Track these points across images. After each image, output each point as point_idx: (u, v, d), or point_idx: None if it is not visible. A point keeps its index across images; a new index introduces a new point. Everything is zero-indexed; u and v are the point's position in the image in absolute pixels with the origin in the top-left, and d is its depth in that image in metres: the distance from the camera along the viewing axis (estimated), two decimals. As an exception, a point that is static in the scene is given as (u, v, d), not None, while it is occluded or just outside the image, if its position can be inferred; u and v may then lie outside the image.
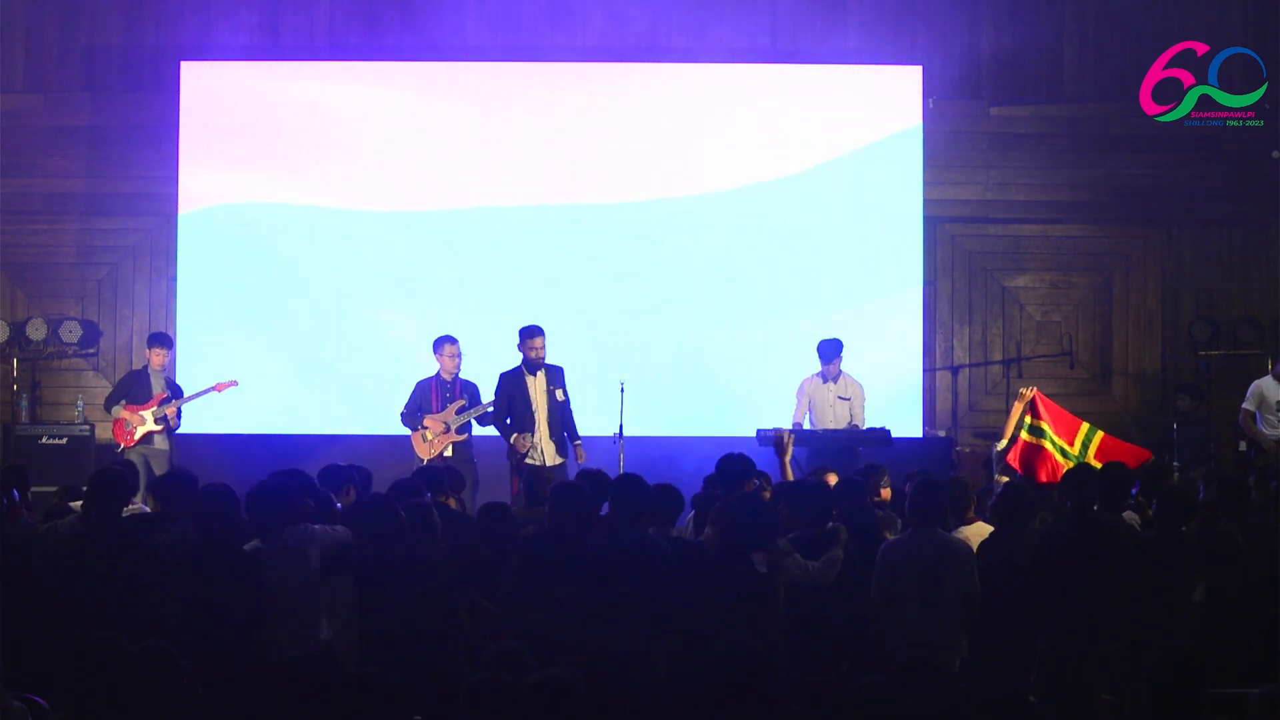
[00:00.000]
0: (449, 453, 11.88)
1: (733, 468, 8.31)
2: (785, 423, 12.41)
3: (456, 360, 12.11)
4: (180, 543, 7.43)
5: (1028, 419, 10.63)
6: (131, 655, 5.61)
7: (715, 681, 5.73)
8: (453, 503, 8.86)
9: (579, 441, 11.79)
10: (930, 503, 7.43)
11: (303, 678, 6.56)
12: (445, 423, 11.95)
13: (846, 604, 7.40)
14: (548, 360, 11.84)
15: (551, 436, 11.67)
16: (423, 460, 11.81)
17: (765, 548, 7.24)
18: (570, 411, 11.82)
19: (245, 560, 7.06)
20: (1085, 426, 10.63)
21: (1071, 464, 10.20)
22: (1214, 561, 7.79)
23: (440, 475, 9.07)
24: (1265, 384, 12.30)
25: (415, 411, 12.06)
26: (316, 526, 7.27)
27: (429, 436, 11.96)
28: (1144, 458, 10.42)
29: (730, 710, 5.57)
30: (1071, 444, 10.48)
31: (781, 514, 7.78)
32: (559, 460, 11.65)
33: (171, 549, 7.42)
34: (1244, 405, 12.34)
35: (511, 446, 11.63)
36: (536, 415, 11.66)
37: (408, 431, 12.14)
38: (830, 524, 7.68)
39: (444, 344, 12.15)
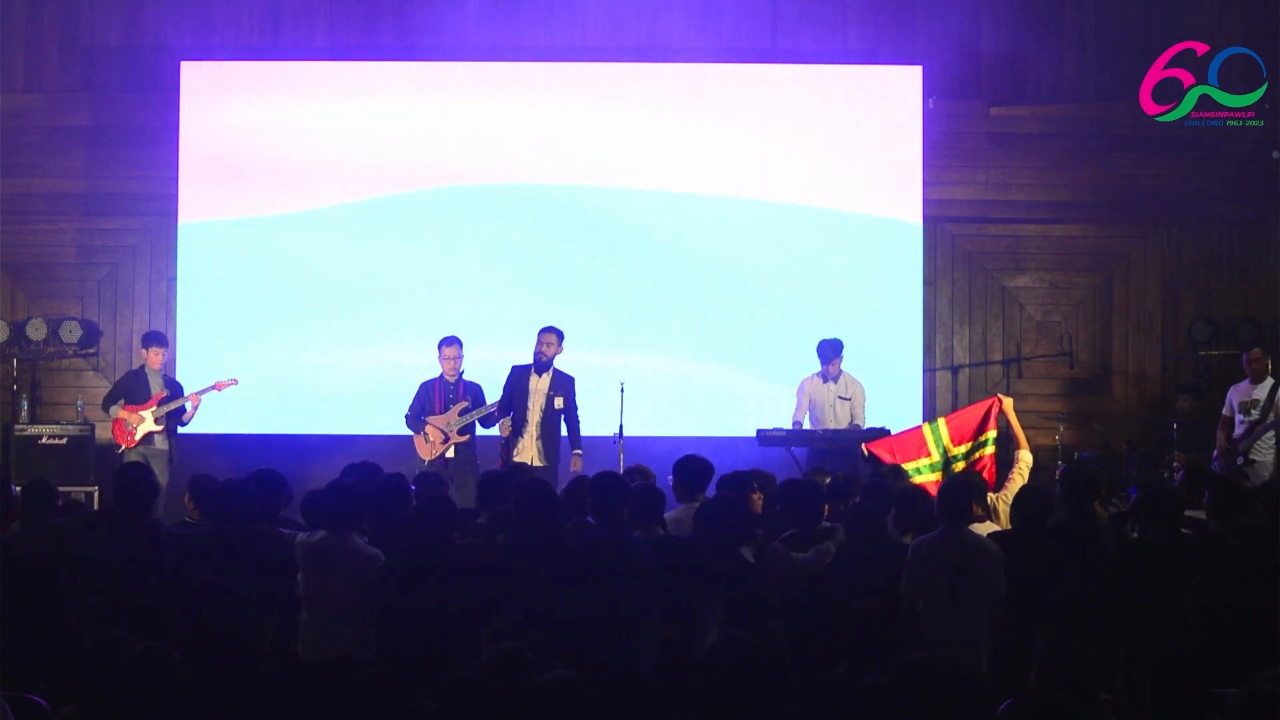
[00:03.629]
0: (450, 454, 11.90)
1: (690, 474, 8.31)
2: (785, 423, 12.43)
3: (456, 362, 12.12)
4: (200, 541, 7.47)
5: (890, 471, 10.40)
6: (132, 655, 5.61)
7: (708, 679, 5.73)
8: None
9: (579, 452, 11.82)
10: (960, 502, 7.42)
11: (341, 680, 6.55)
12: (447, 424, 11.96)
13: (845, 602, 7.39)
14: (563, 369, 11.95)
15: (540, 438, 11.75)
16: (424, 461, 11.85)
17: (749, 542, 7.27)
18: (574, 421, 11.89)
19: (273, 552, 7.07)
20: (926, 427, 10.54)
21: (939, 475, 10.11)
22: (1207, 562, 7.80)
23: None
24: (1232, 389, 12.29)
25: (419, 413, 12.08)
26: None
27: (430, 438, 11.98)
28: (990, 404, 10.33)
29: (725, 709, 5.57)
30: (927, 453, 10.35)
31: (777, 513, 7.79)
32: (544, 464, 11.68)
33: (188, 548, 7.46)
34: (1223, 411, 12.32)
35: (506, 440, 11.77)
36: (530, 415, 11.76)
37: (410, 433, 12.15)
38: (826, 523, 7.68)
39: (443, 345, 12.18)
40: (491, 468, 11.81)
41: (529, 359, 12.07)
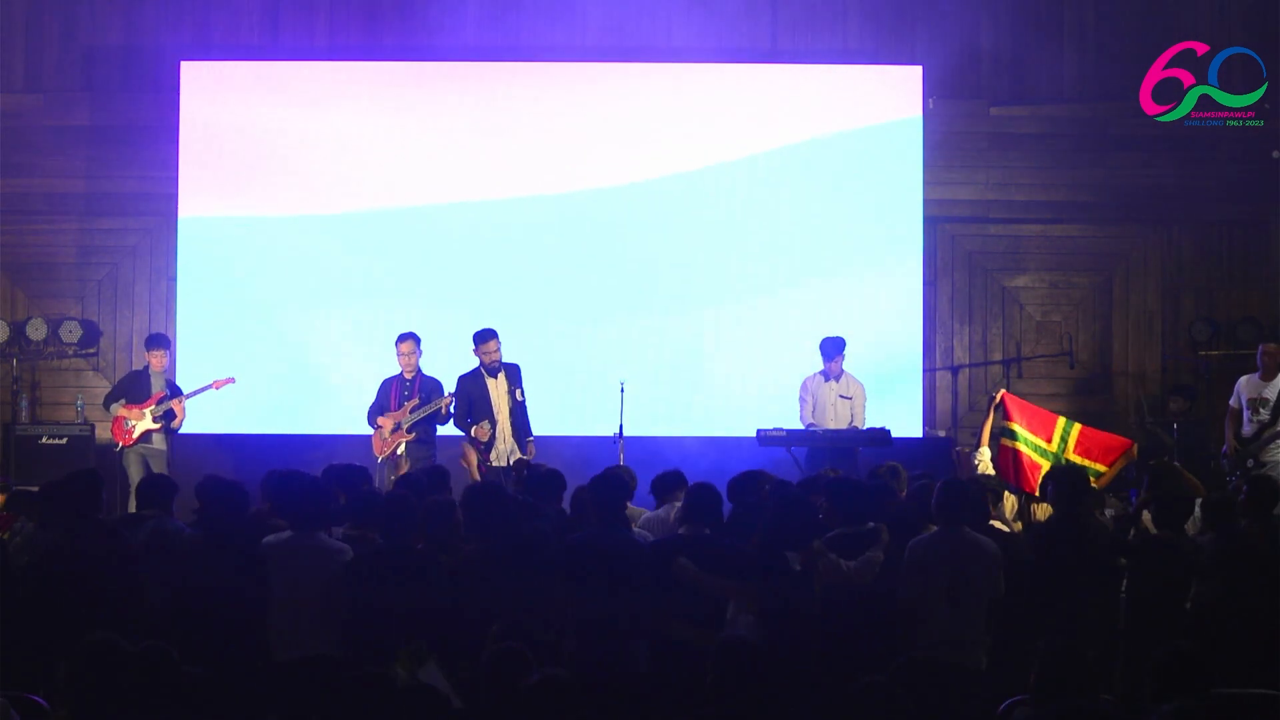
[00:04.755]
0: (401, 450, 11.87)
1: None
2: (786, 423, 12.39)
3: (412, 358, 12.10)
4: (159, 539, 7.44)
5: (1003, 423, 10.56)
6: (131, 655, 5.60)
7: (708, 679, 5.73)
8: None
9: (530, 439, 11.88)
10: (957, 501, 7.40)
11: (314, 678, 6.53)
12: (398, 421, 11.94)
13: (884, 605, 7.34)
14: (504, 359, 11.95)
15: (513, 437, 11.78)
16: (378, 459, 11.78)
17: (800, 548, 7.22)
18: (525, 411, 11.91)
19: (251, 554, 7.05)
20: (1062, 421, 10.58)
21: (1049, 462, 10.19)
22: (1234, 560, 7.77)
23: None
24: (1242, 381, 12.14)
25: (378, 410, 12.07)
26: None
27: (385, 435, 11.96)
28: (1125, 446, 10.37)
29: (725, 709, 5.57)
30: (1049, 440, 10.40)
31: (821, 509, 7.75)
32: (522, 457, 11.64)
33: (151, 545, 7.42)
34: (1230, 402, 12.18)
35: (472, 441, 11.68)
36: (498, 417, 11.76)
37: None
38: (870, 524, 7.64)
39: (398, 342, 12.17)
40: (459, 467, 11.74)
41: (530, 358, 12.07)
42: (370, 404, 12.18)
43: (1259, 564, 7.75)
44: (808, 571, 7.17)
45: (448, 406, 11.89)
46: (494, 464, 11.58)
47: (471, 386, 11.83)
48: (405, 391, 12.05)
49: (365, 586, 6.93)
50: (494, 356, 11.81)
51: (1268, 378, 11.89)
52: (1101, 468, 10.31)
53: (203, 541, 7.29)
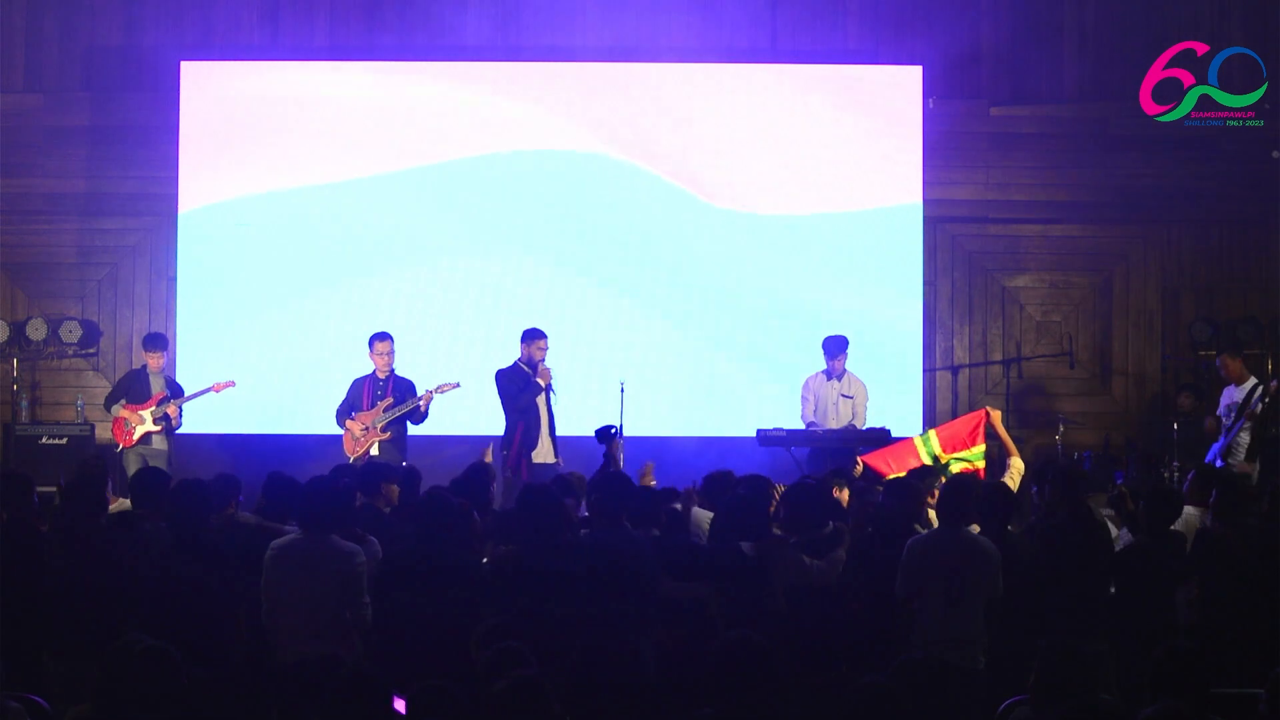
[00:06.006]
0: (375, 451, 11.86)
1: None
2: (786, 423, 12.41)
3: (388, 358, 12.11)
4: (153, 541, 7.44)
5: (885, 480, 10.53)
6: (134, 655, 5.60)
7: (712, 677, 5.73)
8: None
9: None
10: (960, 501, 7.41)
11: (316, 681, 6.50)
12: (371, 421, 11.94)
13: (851, 604, 7.36)
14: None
15: (550, 435, 11.78)
16: (349, 458, 11.77)
17: (754, 538, 7.26)
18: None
19: (205, 551, 7.05)
20: (918, 439, 10.64)
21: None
22: (1209, 562, 7.78)
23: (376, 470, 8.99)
24: (1225, 389, 12.17)
25: (347, 410, 12.06)
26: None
27: (357, 434, 11.95)
28: (980, 418, 10.41)
29: (728, 708, 5.56)
30: (920, 463, 10.38)
31: (779, 517, 7.77)
32: (555, 460, 11.74)
33: (145, 548, 7.42)
34: (1219, 412, 12.20)
35: (515, 447, 11.63)
36: (541, 414, 11.76)
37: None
38: (831, 525, 7.66)
39: (375, 341, 12.17)
40: (434, 467, 11.58)
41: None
42: (339, 403, 12.17)
43: (1234, 567, 7.74)
44: (763, 560, 7.20)
45: (425, 404, 11.92)
46: (535, 461, 11.60)
47: (517, 376, 11.80)
48: (378, 391, 12.06)
49: (395, 590, 6.92)
50: (542, 354, 11.86)
51: (1239, 384, 11.94)
52: (979, 449, 10.35)
53: (169, 541, 7.29)
